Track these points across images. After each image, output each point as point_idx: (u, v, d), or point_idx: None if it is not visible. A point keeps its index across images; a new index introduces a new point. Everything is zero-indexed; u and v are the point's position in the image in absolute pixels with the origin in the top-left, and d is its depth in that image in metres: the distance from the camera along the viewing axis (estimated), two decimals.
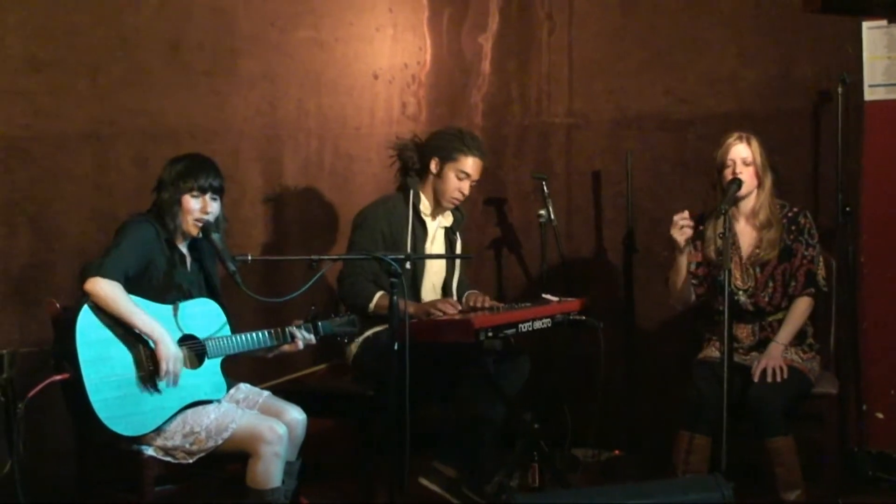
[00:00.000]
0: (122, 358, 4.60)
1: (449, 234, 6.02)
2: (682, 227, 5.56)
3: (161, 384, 4.66)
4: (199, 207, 4.91)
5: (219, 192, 4.97)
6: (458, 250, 6.07)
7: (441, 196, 5.85)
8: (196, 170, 4.92)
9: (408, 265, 5.30)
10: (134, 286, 4.70)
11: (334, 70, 6.73)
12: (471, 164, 5.82)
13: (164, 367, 4.64)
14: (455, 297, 5.95)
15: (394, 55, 7.00)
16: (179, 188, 4.89)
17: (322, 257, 5.26)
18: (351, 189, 6.46)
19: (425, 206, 5.87)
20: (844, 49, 6.14)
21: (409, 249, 5.72)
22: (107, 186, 5.85)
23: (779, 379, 5.38)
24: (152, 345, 4.64)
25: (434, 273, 5.94)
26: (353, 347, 5.73)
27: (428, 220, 5.89)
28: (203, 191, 4.91)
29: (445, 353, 5.44)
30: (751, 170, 5.59)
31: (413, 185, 5.84)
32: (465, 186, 5.84)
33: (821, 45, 6.27)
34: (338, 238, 6.61)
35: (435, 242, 5.95)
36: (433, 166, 5.83)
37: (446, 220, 5.99)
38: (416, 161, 5.89)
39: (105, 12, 5.81)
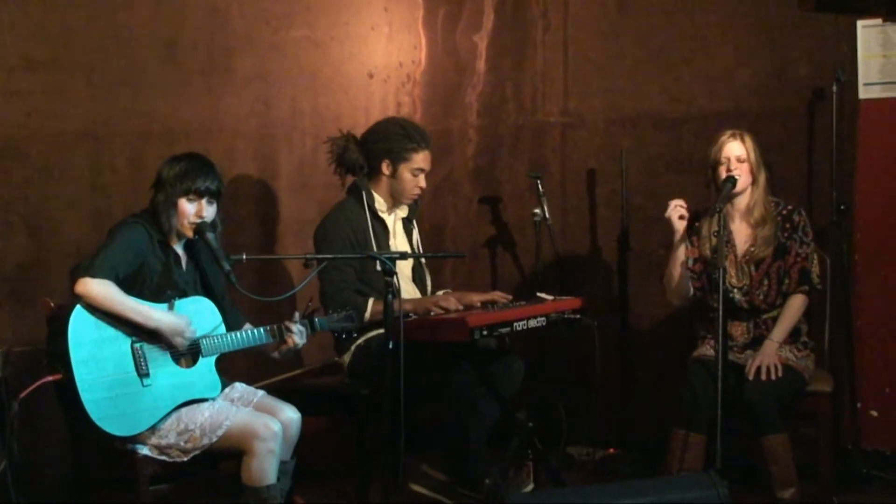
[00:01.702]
0: (114, 358, 4.60)
1: (406, 223, 5.99)
2: (676, 206, 5.60)
3: (154, 382, 4.66)
4: (194, 211, 4.88)
5: (216, 195, 4.93)
6: (416, 238, 6.04)
7: (400, 195, 5.82)
8: (194, 173, 4.87)
9: (377, 265, 5.25)
10: (128, 287, 4.68)
11: (329, 69, 6.73)
12: (422, 158, 5.80)
13: (178, 342, 4.70)
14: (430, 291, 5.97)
15: (389, 54, 7.00)
16: (176, 190, 4.85)
17: (317, 256, 5.28)
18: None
19: (380, 203, 5.82)
20: (839, 47, 6.15)
21: (374, 250, 5.62)
22: (102, 186, 5.85)
23: (773, 377, 5.39)
24: (146, 344, 4.66)
25: (405, 265, 5.90)
26: (346, 357, 5.71)
27: (385, 215, 5.85)
28: (200, 195, 4.87)
29: (440, 352, 5.44)
30: (745, 167, 5.58)
31: (364, 185, 5.80)
32: (422, 180, 5.82)
33: (816, 44, 6.28)
34: None
35: (397, 236, 5.91)
36: (385, 168, 5.78)
37: (402, 211, 5.95)
38: (363, 163, 5.81)
39: (100, 12, 5.82)
